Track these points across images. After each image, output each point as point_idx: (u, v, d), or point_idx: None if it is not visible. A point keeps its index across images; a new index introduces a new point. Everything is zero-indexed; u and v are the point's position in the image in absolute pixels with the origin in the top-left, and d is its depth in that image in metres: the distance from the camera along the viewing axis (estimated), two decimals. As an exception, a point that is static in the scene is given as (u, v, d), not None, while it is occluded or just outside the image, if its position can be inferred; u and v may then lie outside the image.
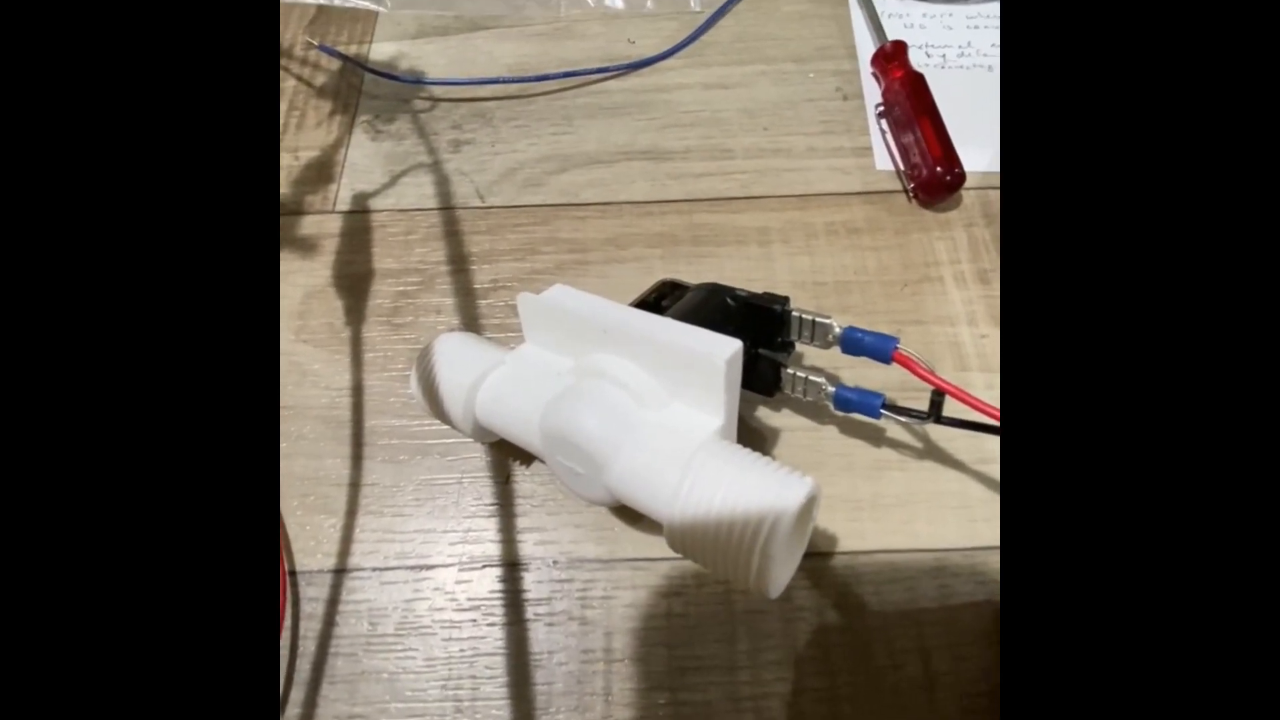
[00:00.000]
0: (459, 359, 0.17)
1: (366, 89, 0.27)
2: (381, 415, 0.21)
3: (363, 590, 0.19)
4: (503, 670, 0.18)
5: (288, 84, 0.28)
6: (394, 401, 0.21)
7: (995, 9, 0.29)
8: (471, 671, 0.18)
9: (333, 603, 0.19)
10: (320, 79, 0.28)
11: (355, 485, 0.20)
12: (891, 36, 0.28)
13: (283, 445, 0.21)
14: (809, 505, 0.14)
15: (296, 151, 0.26)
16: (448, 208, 0.25)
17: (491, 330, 0.22)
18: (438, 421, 0.20)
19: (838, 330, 0.18)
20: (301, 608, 0.19)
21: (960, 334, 0.22)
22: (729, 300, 0.19)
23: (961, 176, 0.23)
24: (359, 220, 0.24)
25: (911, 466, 0.20)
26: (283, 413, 0.21)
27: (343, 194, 0.25)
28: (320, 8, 0.29)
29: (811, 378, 0.18)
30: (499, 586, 0.19)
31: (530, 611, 0.18)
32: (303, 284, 0.23)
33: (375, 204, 0.25)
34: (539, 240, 0.24)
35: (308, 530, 0.19)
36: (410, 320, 0.22)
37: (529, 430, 0.16)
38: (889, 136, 0.25)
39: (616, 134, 0.26)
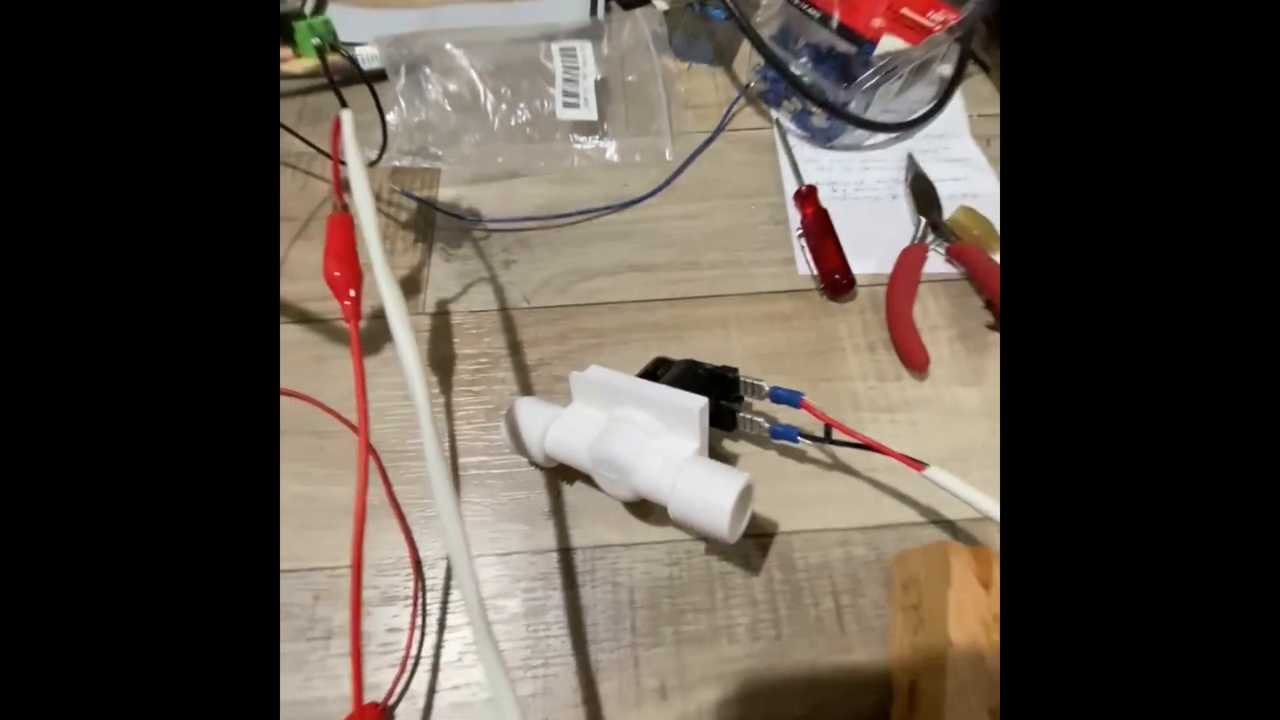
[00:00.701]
0: (532, 414, 0.27)
1: (439, 224, 0.38)
2: (470, 454, 0.31)
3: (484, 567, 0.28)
4: (564, 617, 0.27)
5: (380, 219, 0.38)
6: (478, 444, 0.31)
7: (883, 154, 0.42)
8: (544, 619, 0.27)
9: (450, 578, 0.28)
10: (404, 216, 0.38)
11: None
12: (807, 176, 0.40)
13: (408, 474, 0.30)
14: (748, 489, 0.24)
15: (399, 271, 0.36)
16: (503, 309, 0.35)
17: (540, 392, 0.32)
18: (509, 456, 0.30)
19: (767, 388, 0.28)
20: (426, 584, 0.28)
21: (855, 386, 0.32)
22: (700, 370, 0.29)
23: (853, 281, 0.35)
24: (442, 319, 0.35)
25: (822, 475, 0.30)
26: (407, 455, 0.31)
27: (429, 300, 0.35)
28: (396, 167, 0.40)
29: (755, 418, 0.28)
30: (557, 564, 0.28)
31: (579, 579, 0.28)
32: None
33: (453, 307, 0.35)
34: (568, 330, 0.34)
35: (429, 531, 0.29)
36: (484, 389, 0.32)
37: (580, 456, 0.26)
38: (806, 252, 0.37)
39: (618, 253, 0.37)
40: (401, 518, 0.29)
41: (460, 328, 0.34)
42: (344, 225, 0.27)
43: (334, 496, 0.30)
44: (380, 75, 0.38)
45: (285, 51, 0.29)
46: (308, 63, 0.28)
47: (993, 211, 0.38)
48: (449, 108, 0.39)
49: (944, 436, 0.31)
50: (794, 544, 0.29)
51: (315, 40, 0.27)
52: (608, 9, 0.47)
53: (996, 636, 0.22)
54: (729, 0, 0.38)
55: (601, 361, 0.29)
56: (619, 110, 0.42)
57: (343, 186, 0.26)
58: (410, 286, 0.36)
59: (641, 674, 0.26)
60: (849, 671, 0.26)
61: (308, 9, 0.46)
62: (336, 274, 0.26)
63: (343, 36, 0.42)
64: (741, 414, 0.28)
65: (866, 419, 0.31)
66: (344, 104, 0.25)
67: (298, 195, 0.39)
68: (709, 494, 0.23)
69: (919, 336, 0.33)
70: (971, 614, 0.22)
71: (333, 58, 0.33)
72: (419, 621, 0.27)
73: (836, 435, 0.27)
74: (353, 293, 0.26)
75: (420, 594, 0.28)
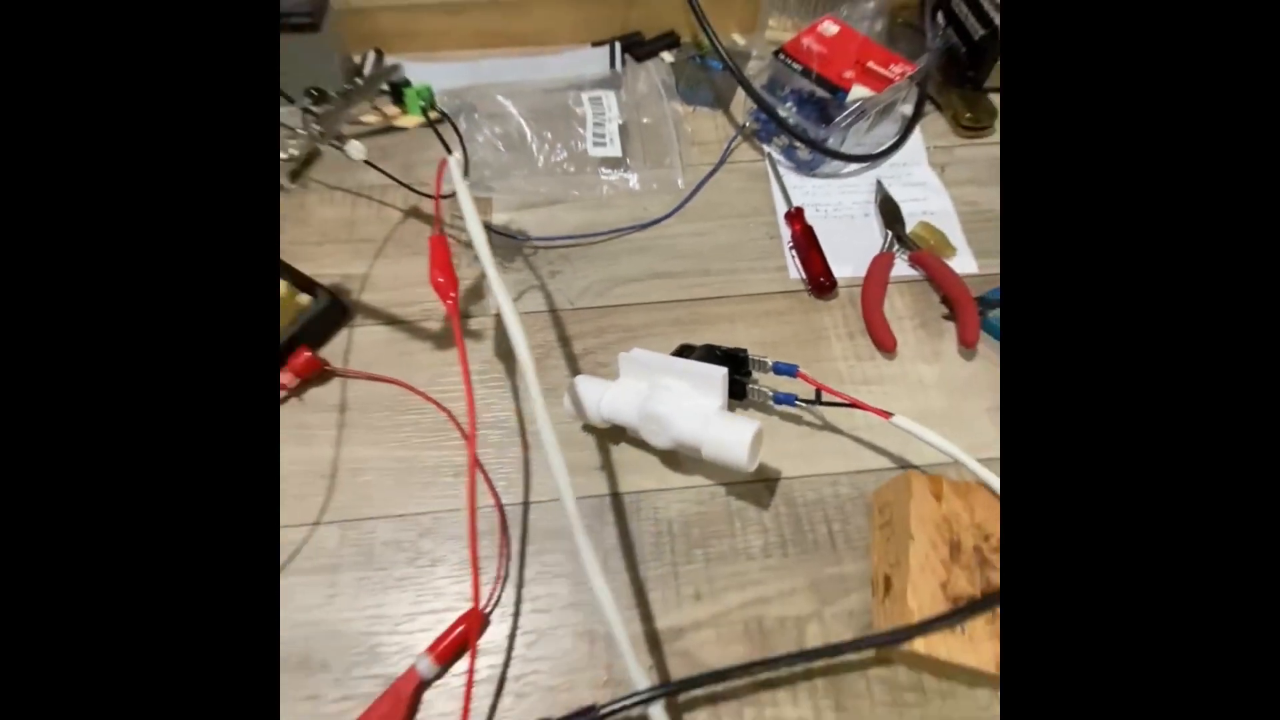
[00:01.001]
0: (590, 387, 0.35)
1: (495, 243, 0.46)
2: (535, 423, 0.38)
3: (546, 509, 0.36)
4: (619, 545, 0.35)
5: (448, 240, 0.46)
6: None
7: (856, 180, 0.50)
8: (605, 546, 0.35)
9: (527, 517, 0.35)
10: (465, 237, 0.46)
11: (528, 457, 0.37)
12: (794, 199, 0.48)
13: (485, 441, 0.38)
14: (759, 432, 0.32)
15: (462, 282, 0.44)
16: (552, 310, 0.43)
17: (588, 371, 0.40)
18: (567, 424, 0.37)
19: (770, 364, 0.36)
20: (508, 521, 0.35)
21: (839, 365, 0.40)
22: (717, 351, 0.37)
23: (834, 283, 0.43)
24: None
25: (815, 433, 0.38)
26: (483, 425, 0.38)
27: (491, 305, 0.43)
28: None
29: (761, 389, 0.36)
30: (609, 505, 0.36)
31: (626, 516, 0.35)
32: (481, 358, 0.41)
33: (525, 306, 0.43)
34: (605, 326, 0.42)
35: (506, 483, 0.36)
36: (542, 373, 0.40)
37: (629, 415, 0.34)
38: (795, 260, 0.45)
39: (642, 264, 0.45)
40: (486, 474, 0.36)
41: (538, 320, 0.42)
42: (442, 244, 0.35)
43: (427, 459, 0.37)
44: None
45: (395, 110, 0.37)
46: (414, 118, 0.36)
47: (947, 225, 0.46)
48: (500, 147, 0.47)
49: (909, 403, 0.39)
50: (794, 486, 0.36)
51: (422, 103, 0.35)
52: (624, 62, 0.55)
53: (945, 534, 0.30)
54: (726, 55, 0.47)
55: (636, 348, 0.37)
56: (637, 147, 0.50)
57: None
58: (475, 294, 0.44)
59: (680, 585, 0.34)
60: (839, 578, 0.34)
61: (367, 65, 0.54)
62: (440, 280, 0.34)
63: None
64: (750, 385, 0.36)
65: (848, 389, 0.39)
66: (449, 150, 0.33)
67: (374, 221, 0.47)
68: (732, 434, 0.31)
69: (888, 326, 0.41)
70: (928, 518, 0.30)
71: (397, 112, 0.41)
72: (505, 550, 0.34)
73: (825, 398, 0.35)
74: (453, 294, 0.34)
75: (505, 529, 0.35)
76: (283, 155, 0.31)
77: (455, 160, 0.32)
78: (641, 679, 0.26)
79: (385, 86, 0.37)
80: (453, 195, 0.39)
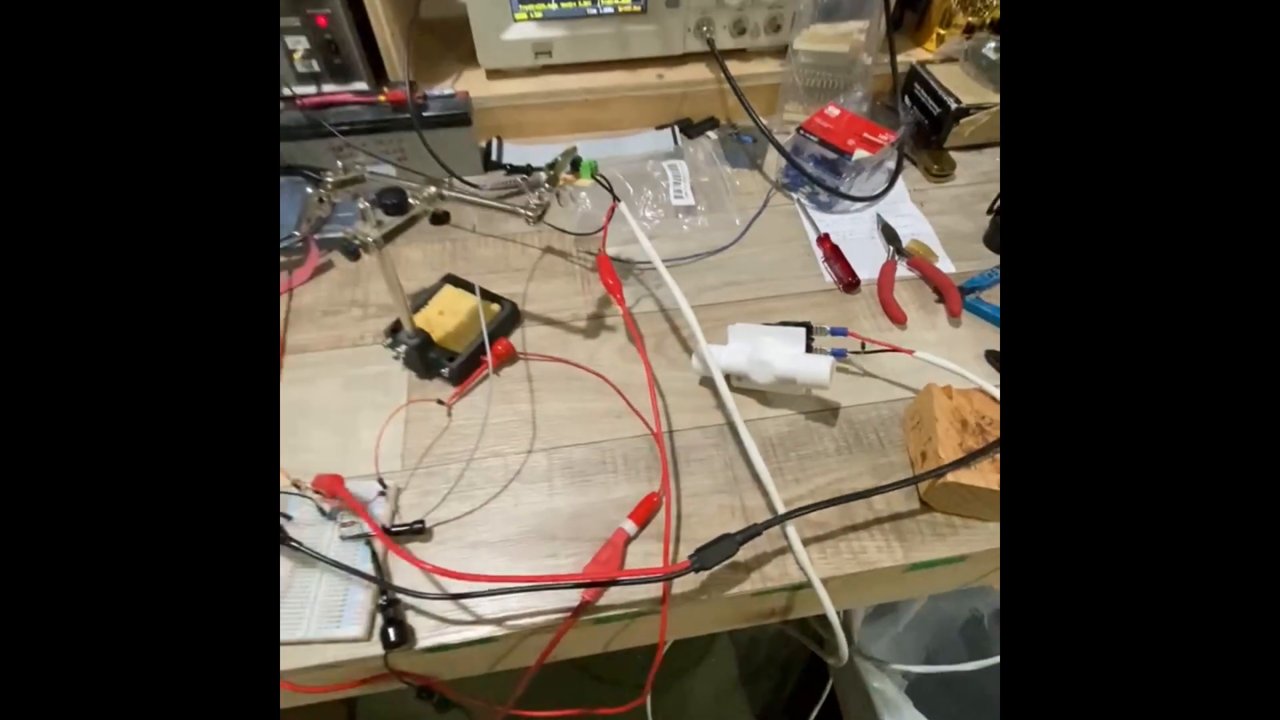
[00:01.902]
0: (710, 349, 0.52)
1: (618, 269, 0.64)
2: (668, 383, 0.55)
3: (682, 435, 0.51)
4: (738, 455, 0.50)
5: (580, 266, 0.64)
6: (674, 377, 0.55)
7: (863, 214, 0.69)
8: (726, 455, 0.50)
9: (673, 440, 0.51)
10: (589, 263, 0.64)
11: (666, 405, 0.53)
12: (823, 229, 0.67)
13: (634, 398, 0.54)
14: (834, 362, 0.49)
15: (590, 294, 0.61)
16: (661, 309, 0.60)
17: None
18: (692, 383, 0.54)
19: (827, 329, 0.54)
20: (675, 442, 0.51)
21: (869, 335, 0.58)
22: (791, 323, 0.55)
23: (858, 281, 0.61)
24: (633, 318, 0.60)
25: (860, 377, 0.55)
26: (629, 388, 0.54)
27: (616, 309, 0.60)
28: (579, 234, 0.65)
29: (822, 347, 0.54)
30: (727, 431, 0.52)
31: (740, 436, 0.51)
32: (619, 341, 0.57)
33: (635, 311, 0.60)
34: (701, 319, 0.59)
35: (660, 417, 0.52)
36: (668, 350, 0.57)
37: (742, 362, 0.51)
38: (828, 268, 0.63)
39: (719, 277, 0.63)
40: (638, 412, 0.52)
41: (642, 319, 0.59)
42: (607, 260, 0.53)
43: (593, 408, 0.53)
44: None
45: (572, 176, 0.55)
46: (587, 181, 0.54)
47: (930, 241, 0.65)
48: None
49: (915, 359, 0.56)
50: (850, 411, 0.53)
51: (593, 172, 0.53)
52: (685, 139, 0.75)
53: (957, 417, 0.46)
54: (767, 132, 0.66)
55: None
56: (702, 198, 0.69)
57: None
58: (605, 301, 0.61)
59: (784, 474, 0.49)
60: (888, 465, 0.50)
61: (492, 150, 0.73)
62: (610, 281, 0.51)
63: (509, 159, 0.70)
64: (814, 343, 0.54)
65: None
66: (616, 199, 0.51)
67: (521, 255, 0.64)
68: (818, 363, 0.48)
69: (899, 307, 0.59)
70: (945, 409, 0.47)
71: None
72: (670, 471, 0.50)
73: (869, 347, 0.53)
74: (620, 292, 0.51)
75: (662, 444, 0.51)
76: (525, 210, 0.47)
77: (624, 206, 0.50)
78: (779, 504, 0.42)
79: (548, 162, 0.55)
80: (594, 232, 0.56)
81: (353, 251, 0.41)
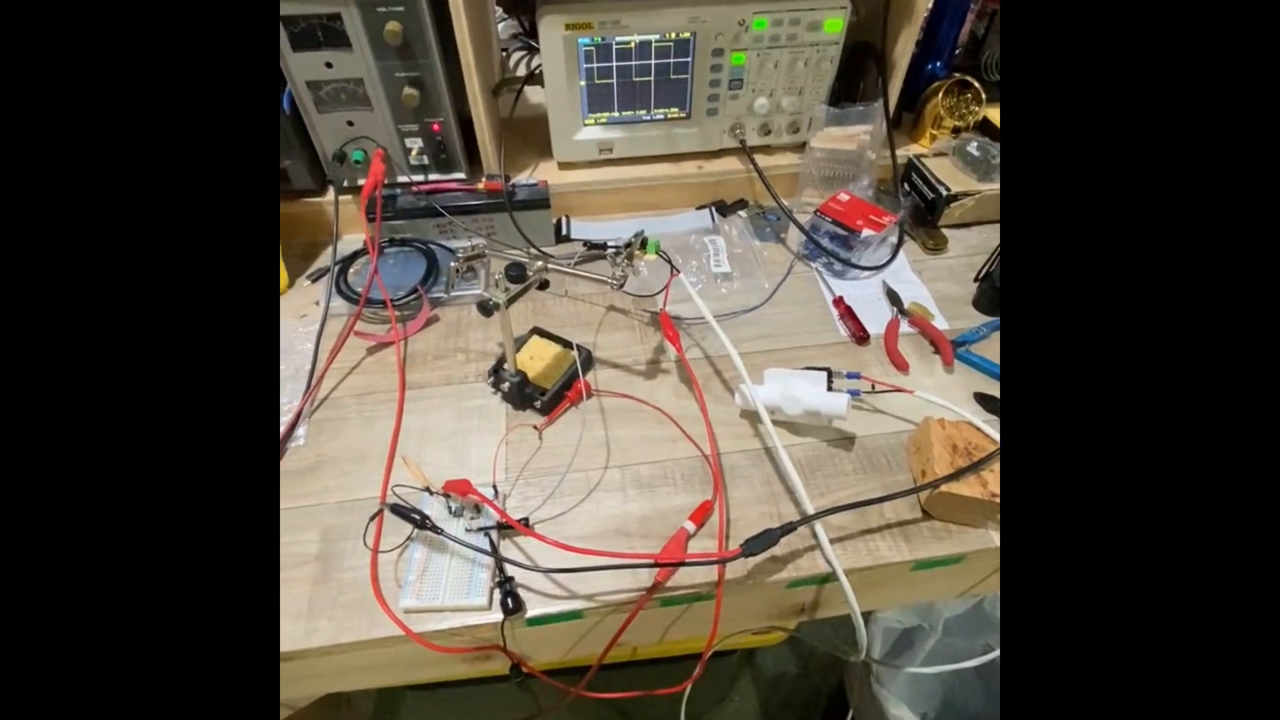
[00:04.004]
0: (750, 388, 0.65)
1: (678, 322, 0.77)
2: (715, 414, 0.67)
3: (727, 457, 0.64)
4: (773, 473, 0.63)
5: (638, 322, 0.77)
6: (720, 409, 0.68)
7: (871, 280, 0.83)
8: (764, 472, 0.62)
9: (721, 460, 0.63)
10: (646, 318, 0.78)
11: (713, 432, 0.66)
12: (837, 292, 0.81)
13: (688, 425, 0.66)
14: (849, 401, 0.61)
15: (647, 343, 0.75)
16: (707, 357, 0.73)
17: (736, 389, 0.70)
18: (735, 417, 0.66)
19: (844, 372, 0.67)
20: (724, 461, 0.63)
21: (876, 377, 0.71)
22: (815, 370, 0.68)
23: (868, 336, 0.74)
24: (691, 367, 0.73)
25: (871, 413, 0.68)
26: (685, 419, 0.67)
27: (671, 354, 0.73)
28: (639, 295, 0.80)
29: (839, 386, 0.66)
30: (763, 454, 0.64)
31: (774, 456, 0.64)
32: (671, 384, 0.70)
33: (688, 356, 0.73)
34: (746, 364, 0.72)
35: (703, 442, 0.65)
36: (715, 388, 0.70)
37: (776, 397, 0.63)
38: (842, 324, 0.77)
39: (752, 331, 0.76)
40: (689, 436, 0.65)
41: (696, 364, 0.72)
42: (668, 317, 0.66)
43: (656, 435, 0.66)
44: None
45: (641, 251, 0.69)
46: (651, 255, 0.69)
47: (927, 303, 0.79)
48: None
49: (915, 398, 0.69)
50: (864, 440, 0.65)
51: (657, 249, 0.67)
52: (720, 217, 0.90)
53: (949, 443, 0.59)
54: (790, 213, 0.81)
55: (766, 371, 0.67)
56: (736, 266, 0.84)
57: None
58: (661, 349, 0.74)
59: (810, 489, 0.61)
60: (895, 481, 0.62)
61: (562, 226, 0.88)
62: (670, 334, 0.65)
63: (576, 234, 0.85)
64: (834, 384, 0.66)
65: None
66: (676, 271, 0.65)
67: (590, 311, 0.78)
68: (838, 400, 0.60)
69: (902, 357, 0.72)
70: (939, 436, 0.59)
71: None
72: (721, 484, 0.62)
73: (878, 388, 0.65)
74: (679, 343, 0.64)
75: (714, 462, 0.63)
76: (610, 279, 0.62)
77: (683, 277, 0.64)
78: (810, 508, 0.54)
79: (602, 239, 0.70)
80: (655, 293, 0.70)
81: (488, 310, 0.55)
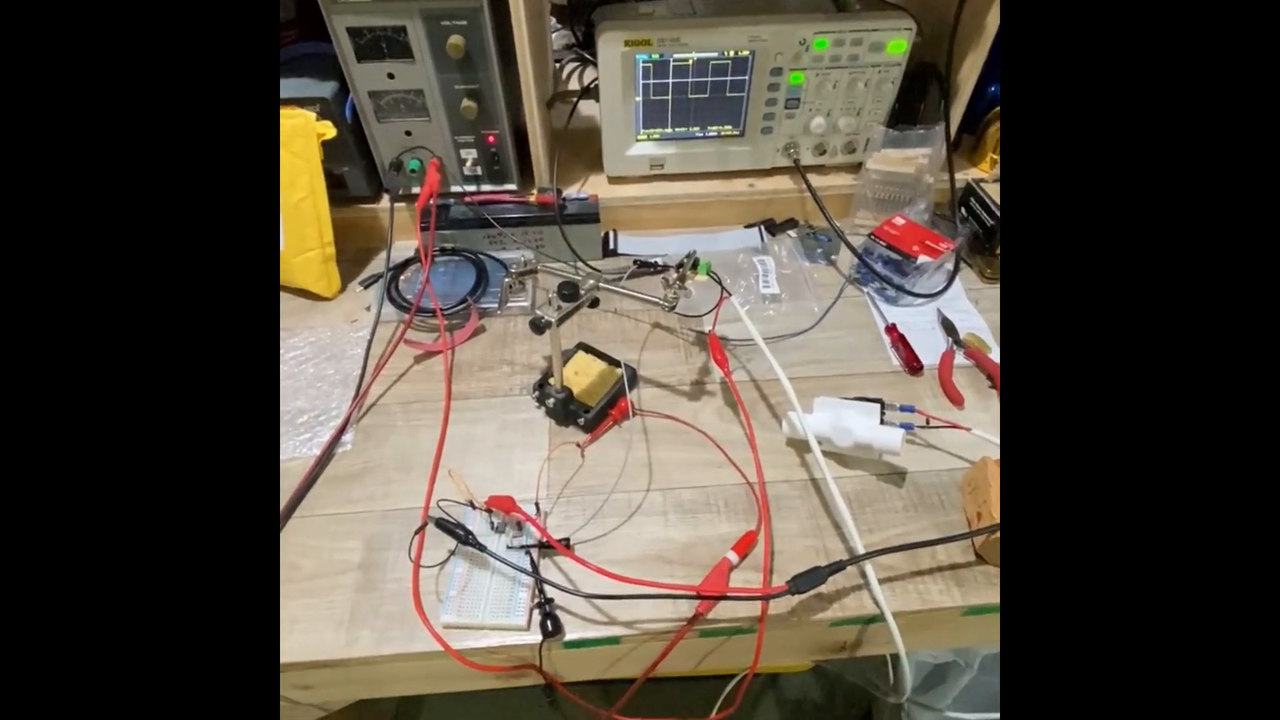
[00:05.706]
0: (798, 417, 0.64)
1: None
2: (761, 441, 0.66)
3: (772, 486, 0.62)
4: (820, 506, 0.61)
5: (684, 342, 0.76)
6: (767, 435, 0.66)
7: (925, 308, 0.81)
8: (810, 504, 0.61)
9: (766, 488, 0.62)
10: (692, 338, 0.77)
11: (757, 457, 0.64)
12: (890, 319, 0.79)
13: (733, 451, 0.65)
14: (904, 435, 0.60)
15: (691, 365, 0.74)
16: (753, 380, 0.72)
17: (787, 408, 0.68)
18: (780, 445, 0.65)
19: (898, 405, 0.65)
20: (769, 490, 0.62)
21: (930, 411, 0.69)
22: (866, 400, 0.66)
23: (922, 367, 0.72)
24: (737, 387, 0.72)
25: (924, 448, 0.65)
26: (730, 443, 0.66)
27: (716, 375, 0.72)
28: (685, 315, 0.79)
29: (892, 421, 0.64)
30: (811, 486, 0.62)
31: (821, 489, 0.62)
32: (715, 407, 0.69)
33: (736, 378, 0.72)
34: (801, 390, 0.71)
35: (748, 467, 0.63)
36: (761, 413, 0.69)
37: (826, 428, 0.62)
38: (894, 353, 0.75)
39: (801, 356, 0.75)
40: (734, 462, 0.64)
41: (742, 387, 0.71)
42: (717, 339, 0.65)
43: (697, 458, 0.64)
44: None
45: (693, 273, 0.69)
46: (703, 277, 0.68)
47: (984, 334, 0.76)
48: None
49: (971, 435, 0.66)
50: (916, 476, 0.63)
51: (708, 270, 0.66)
52: (769, 236, 0.89)
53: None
54: (843, 236, 0.80)
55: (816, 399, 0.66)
56: (785, 288, 0.82)
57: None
58: (705, 370, 0.73)
59: (858, 524, 0.59)
60: (948, 522, 0.60)
61: (610, 240, 0.88)
62: (719, 357, 0.64)
63: (624, 248, 0.85)
64: (886, 417, 0.64)
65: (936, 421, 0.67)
66: (727, 293, 0.64)
67: (634, 328, 0.78)
68: (892, 432, 0.59)
69: (958, 390, 0.70)
70: (997, 477, 0.57)
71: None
72: (767, 514, 0.61)
73: (933, 423, 0.63)
74: (728, 366, 0.63)
75: (759, 491, 0.62)
76: (662, 300, 0.61)
77: (735, 299, 0.63)
78: (860, 547, 0.52)
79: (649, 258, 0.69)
80: (704, 314, 0.69)
81: (540, 328, 0.55)
